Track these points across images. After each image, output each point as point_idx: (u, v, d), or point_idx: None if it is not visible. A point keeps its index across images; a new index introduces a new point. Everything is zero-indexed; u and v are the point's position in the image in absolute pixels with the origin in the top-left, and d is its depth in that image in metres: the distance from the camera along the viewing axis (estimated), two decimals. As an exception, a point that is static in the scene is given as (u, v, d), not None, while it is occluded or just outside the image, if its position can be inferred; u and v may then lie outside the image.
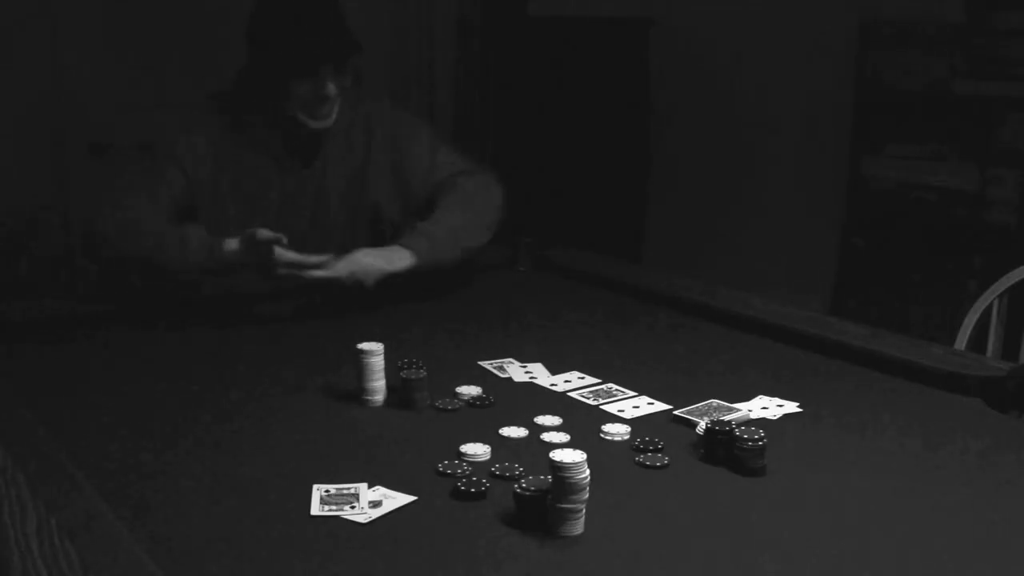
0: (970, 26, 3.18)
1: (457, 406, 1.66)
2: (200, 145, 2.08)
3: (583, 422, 1.59)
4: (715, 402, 1.63)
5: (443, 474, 1.40)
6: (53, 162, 3.33)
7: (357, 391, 1.65)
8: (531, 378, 1.78)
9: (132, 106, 3.43)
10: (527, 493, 1.27)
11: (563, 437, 1.52)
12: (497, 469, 1.40)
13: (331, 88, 2.04)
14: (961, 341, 2.15)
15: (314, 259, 1.94)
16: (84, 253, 2.09)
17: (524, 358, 1.87)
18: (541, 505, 1.25)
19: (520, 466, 1.40)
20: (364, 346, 1.65)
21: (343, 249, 2.06)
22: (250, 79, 2.12)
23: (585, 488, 1.24)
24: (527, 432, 1.54)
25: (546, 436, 1.53)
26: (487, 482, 1.35)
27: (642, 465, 1.44)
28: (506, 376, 1.80)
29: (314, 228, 2.17)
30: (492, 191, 2.21)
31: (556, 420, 1.58)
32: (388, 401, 1.64)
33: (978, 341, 2.17)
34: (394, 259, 2.03)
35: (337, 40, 2.03)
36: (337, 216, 2.19)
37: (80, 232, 2.11)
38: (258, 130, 2.13)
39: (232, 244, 1.97)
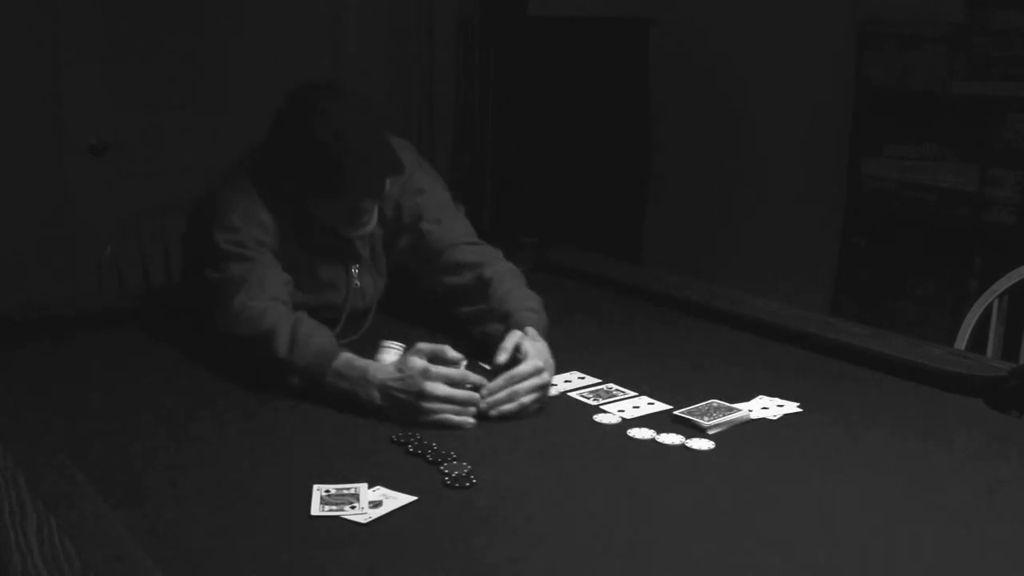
0: (970, 26, 3.17)
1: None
2: (263, 219, 1.88)
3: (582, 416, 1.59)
4: (715, 402, 1.63)
5: (398, 443, 1.50)
6: (53, 162, 3.33)
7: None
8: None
9: (132, 106, 3.44)
10: None
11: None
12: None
13: (369, 207, 1.90)
14: (961, 341, 2.15)
15: (475, 378, 1.63)
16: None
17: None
18: None
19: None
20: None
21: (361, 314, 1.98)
22: (282, 178, 1.90)
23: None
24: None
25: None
26: (473, 478, 1.38)
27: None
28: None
29: (339, 305, 2.01)
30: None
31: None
32: None
33: (978, 341, 2.17)
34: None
35: (380, 175, 1.86)
36: (364, 290, 2.03)
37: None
38: (299, 217, 1.92)
39: (362, 363, 1.65)
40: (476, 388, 1.61)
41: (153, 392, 1.71)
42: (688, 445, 1.50)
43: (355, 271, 2.01)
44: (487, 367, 1.70)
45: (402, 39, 3.88)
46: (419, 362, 1.60)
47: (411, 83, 3.90)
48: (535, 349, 1.69)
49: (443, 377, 1.59)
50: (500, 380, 1.62)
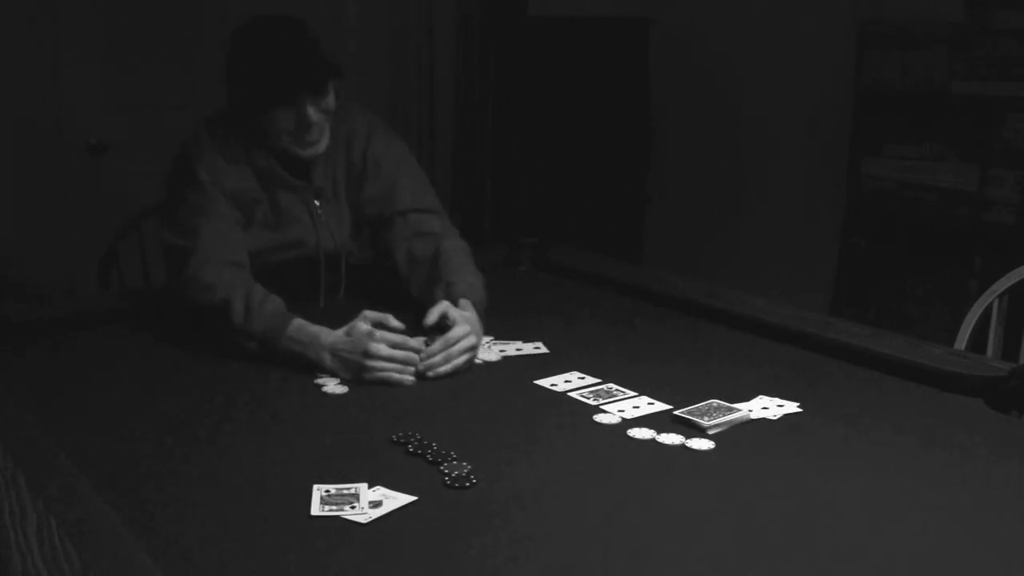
0: (970, 26, 3.18)
1: (457, 406, 1.68)
2: (219, 161, 2.02)
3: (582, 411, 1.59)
4: (715, 402, 1.63)
5: (398, 443, 1.49)
6: (53, 162, 3.33)
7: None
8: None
9: (132, 106, 3.44)
10: None
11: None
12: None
13: (312, 114, 1.98)
14: (961, 341, 2.15)
15: (414, 342, 1.79)
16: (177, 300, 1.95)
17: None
18: None
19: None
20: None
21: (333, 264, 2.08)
22: (235, 113, 2.06)
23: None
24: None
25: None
26: (473, 478, 1.37)
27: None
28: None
29: (310, 243, 2.13)
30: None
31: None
32: None
33: (978, 341, 2.17)
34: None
35: (311, 66, 1.97)
36: (331, 227, 2.13)
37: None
38: (254, 153, 2.05)
39: (313, 329, 1.81)
40: (416, 352, 1.78)
41: (153, 392, 1.71)
42: (688, 445, 1.51)
43: (317, 205, 2.11)
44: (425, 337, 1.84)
45: (402, 39, 3.88)
46: (365, 326, 1.78)
47: (411, 83, 3.90)
48: (461, 316, 1.86)
49: (386, 340, 1.77)
50: (437, 344, 1.79)
